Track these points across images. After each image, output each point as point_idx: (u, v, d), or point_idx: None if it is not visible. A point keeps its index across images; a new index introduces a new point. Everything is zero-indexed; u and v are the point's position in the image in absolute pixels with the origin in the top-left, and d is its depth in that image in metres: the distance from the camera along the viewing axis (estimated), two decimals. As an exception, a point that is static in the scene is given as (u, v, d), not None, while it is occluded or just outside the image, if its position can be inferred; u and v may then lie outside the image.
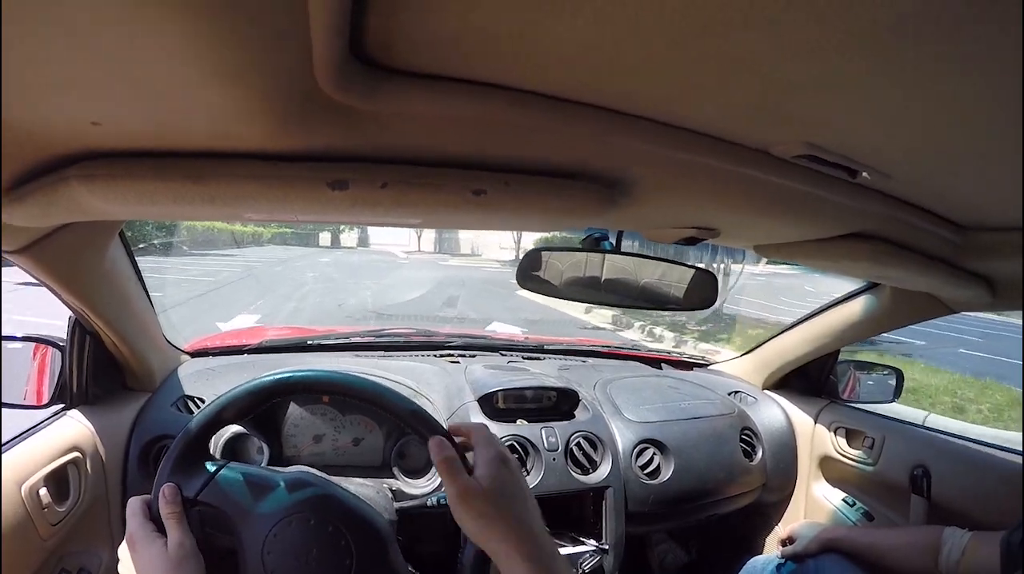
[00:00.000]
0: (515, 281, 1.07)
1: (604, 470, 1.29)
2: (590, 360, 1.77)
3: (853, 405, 1.64)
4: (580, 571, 1.21)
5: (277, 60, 0.35)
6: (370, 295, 11.51)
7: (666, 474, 1.35)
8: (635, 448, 1.35)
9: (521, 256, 1.07)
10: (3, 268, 0.91)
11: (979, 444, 1.35)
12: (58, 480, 0.95)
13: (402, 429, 1.13)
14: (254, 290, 10.83)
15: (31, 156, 0.52)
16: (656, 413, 1.45)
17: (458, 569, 0.95)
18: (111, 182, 0.51)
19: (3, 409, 0.97)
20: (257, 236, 25.74)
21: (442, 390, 1.36)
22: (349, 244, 30.58)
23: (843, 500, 1.56)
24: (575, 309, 9.95)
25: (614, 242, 0.99)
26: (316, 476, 0.81)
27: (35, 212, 0.59)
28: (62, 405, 1.07)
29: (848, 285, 1.50)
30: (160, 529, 0.66)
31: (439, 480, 0.95)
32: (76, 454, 0.99)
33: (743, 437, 1.51)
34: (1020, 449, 1.28)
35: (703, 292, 1.08)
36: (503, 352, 1.70)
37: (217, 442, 1.13)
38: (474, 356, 1.63)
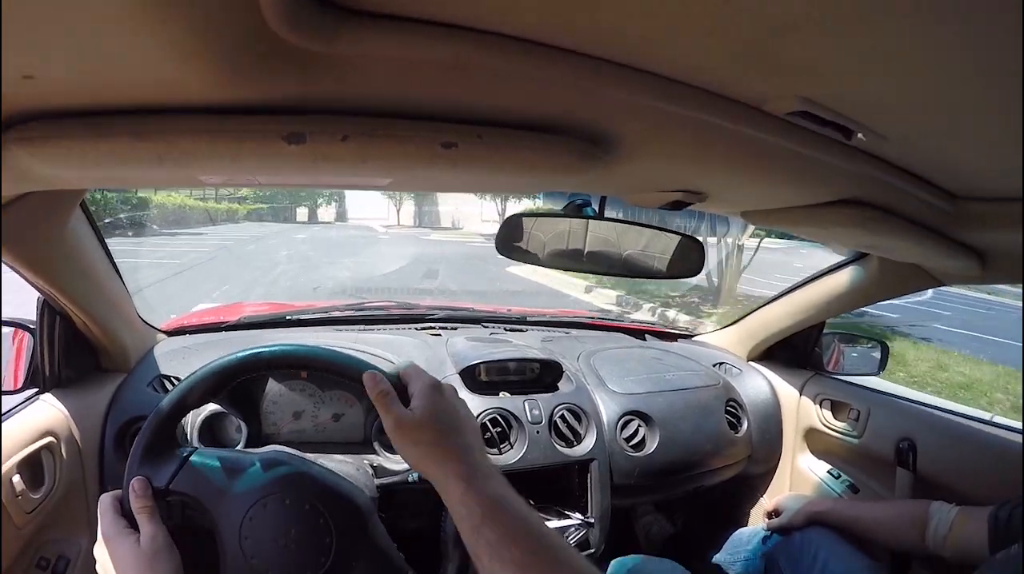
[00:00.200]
0: (497, 256, 1.06)
1: (588, 443, 1.30)
2: (574, 331, 1.78)
3: (838, 377, 1.67)
4: None
5: None
6: (348, 276, 11.13)
7: (651, 446, 1.36)
8: (620, 420, 1.36)
9: (504, 228, 1.06)
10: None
11: (965, 418, 1.37)
12: (32, 466, 0.93)
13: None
14: (219, 274, 10.21)
15: None
16: (641, 384, 1.46)
17: (441, 539, 0.96)
18: (50, 144, 0.49)
19: None
20: (232, 213, 25.35)
21: (423, 363, 1.34)
22: (327, 219, 30.31)
23: (828, 472, 1.59)
24: (577, 290, 9.84)
25: (597, 209, 0.99)
26: (290, 454, 0.80)
27: None
28: (36, 389, 1.05)
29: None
30: (133, 524, 0.66)
31: None
32: (50, 439, 0.97)
33: (728, 409, 1.53)
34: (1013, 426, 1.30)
35: (689, 260, 1.08)
36: (485, 324, 1.70)
37: (194, 423, 1.12)
38: (455, 329, 1.62)
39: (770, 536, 1.32)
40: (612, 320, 1.95)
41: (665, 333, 1.92)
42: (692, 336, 1.96)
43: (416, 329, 1.60)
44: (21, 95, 0.45)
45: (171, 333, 1.40)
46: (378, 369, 0.69)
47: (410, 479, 1.01)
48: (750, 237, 8.92)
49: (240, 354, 0.73)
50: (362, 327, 1.59)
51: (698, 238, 1.07)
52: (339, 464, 0.90)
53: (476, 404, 1.24)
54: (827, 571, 1.12)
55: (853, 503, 1.42)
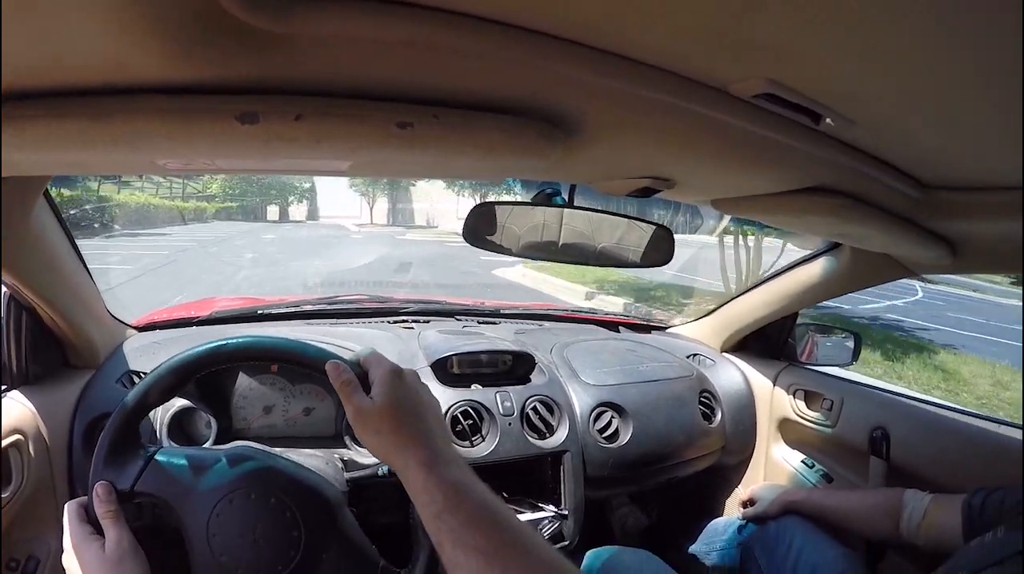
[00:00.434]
0: (485, 258, 1.07)
1: (561, 434, 1.32)
2: (547, 324, 1.80)
3: (811, 367, 1.71)
4: None
5: None
6: (319, 283, 10.54)
7: (624, 437, 1.39)
8: (593, 412, 1.38)
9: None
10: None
11: (938, 407, 1.41)
12: None
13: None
14: (173, 282, 9.38)
15: None
16: (614, 376, 1.48)
17: (410, 527, 0.97)
18: (11, 126, 0.49)
19: None
20: (200, 212, 24.94)
21: (395, 356, 1.35)
22: (299, 217, 29.95)
23: (802, 462, 1.62)
24: (575, 295, 9.75)
25: (567, 198, 1.00)
26: (256, 449, 0.81)
27: None
28: (2, 386, 1.04)
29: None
30: (98, 530, 0.67)
31: None
32: (17, 437, 0.96)
33: (702, 399, 1.56)
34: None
35: (660, 250, 1.10)
36: (458, 317, 1.71)
37: (163, 419, 1.12)
38: (428, 321, 1.64)
39: (745, 526, 1.35)
40: (586, 312, 1.99)
41: (639, 325, 1.95)
42: (666, 328, 1.99)
43: (388, 322, 1.61)
44: None
45: (141, 328, 1.40)
46: (341, 358, 0.69)
47: (380, 472, 1.02)
48: (772, 239, 8.64)
49: (200, 348, 0.73)
50: (334, 321, 1.59)
51: (669, 227, 1.10)
52: (308, 458, 0.91)
53: (448, 396, 1.26)
54: (802, 560, 1.15)
55: (827, 492, 1.45)
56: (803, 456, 1.64)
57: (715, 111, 0.57)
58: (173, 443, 1.11)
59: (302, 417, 1.24)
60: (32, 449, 0.99)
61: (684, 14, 0.41)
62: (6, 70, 0.44)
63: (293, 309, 1.60)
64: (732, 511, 1.70)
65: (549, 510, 1.28)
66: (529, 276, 10.96)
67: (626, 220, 1.07)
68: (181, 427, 1.15)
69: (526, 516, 1.26)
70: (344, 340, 1.35)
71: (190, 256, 13.27)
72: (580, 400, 1.39)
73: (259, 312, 1.56)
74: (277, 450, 0.85)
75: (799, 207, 0.88)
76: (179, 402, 1.12)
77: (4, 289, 1.01)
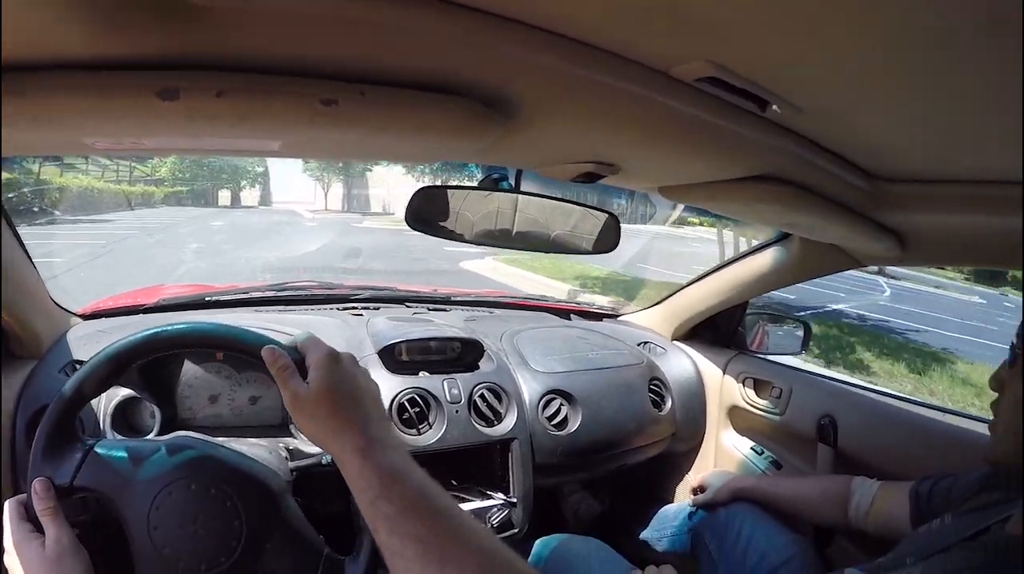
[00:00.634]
0: (446, 248, 1.07)
1: (509, 422, 1.33)
2: (498, 311, 1.82)
3: (761, 356, 1.76)
4: (489, 525, 1.26)
5: None
6: (271, 278, 9.83)
7: (574, 425, 1.42)
8: (542, 399, 1.41)
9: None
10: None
11: (883, 395, 1.47)
12: None
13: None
14: (104, 278, 8.31)
15: None
16: (563, 363, 1.51)
17: (352, 512, 0.97)
18: None
19: None
20: (148, 196, 24.09)
21: (342, 344, 1.35)
22: (250, 202, 29.30)
23: (752, 449, 1.68)
24: (556, 293, 9.68)
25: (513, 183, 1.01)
26: (197, 438, 0.81)
27: None
28: None
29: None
30: (39, 528, 0.66)
31: None
32: None
33: (652, 387, 1.60)
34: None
35: (608, 238, 1.13)
36: (409, 304, 1.72)
37: (106, 410, 1.10)
38: (378, 308, 1.64)
39: (696, 512, 1.39)
40: (537, 300, 2.01)
41: (590, 313, 1.99)
42: (617, 316, 2.03)
43: (338, 309, 1.61)
44: None
45: (87, 317, 1.37)
46: (278, 343, 0.69)
47: (324, 461, 1.02)
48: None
49: (136, 336, 0.72)
50: (283, 308, 1.58)
51: (616, 215, 1.12)
52: (251, 447, 0.91)
53: (394, 384, 1.26)
54: (752, 545, 1.19)
55: (776, 479, 1.49)
56: (753, 443, 1.69)
57: (658, 94, 0.57)
58: (117, 435, 1.10)
59: (248, 406, 1.24)
60: None
61: None
62: None
63: (241, 296, 1.58)
64: (683, 498, 1.75)
65: (498, 498, 1.30)
66: (500, 270, 10.57)
67: (580, 208, 1.09)
68: (125, 418, 1.14)
69: (475, 504, 1.28)
70: (291, 327, 1.33)
71: (129, 246, 12.35)
72: (529, 387, 1.41)
73: (207, 299, 1.54)
74: (220, 439, 0.84)
75: (747, 195, 0.90)
76: (122, 392, 1.11)
77: None
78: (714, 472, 1.49)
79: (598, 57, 0.52)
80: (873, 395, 1.47)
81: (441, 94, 0.56)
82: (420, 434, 1.24)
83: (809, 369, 1.71)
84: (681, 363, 1.77)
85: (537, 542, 1.28)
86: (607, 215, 1.11)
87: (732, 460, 1.71)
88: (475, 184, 1.03)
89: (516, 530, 1.31)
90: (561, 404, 1.43)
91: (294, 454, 1.09)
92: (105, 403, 1.10)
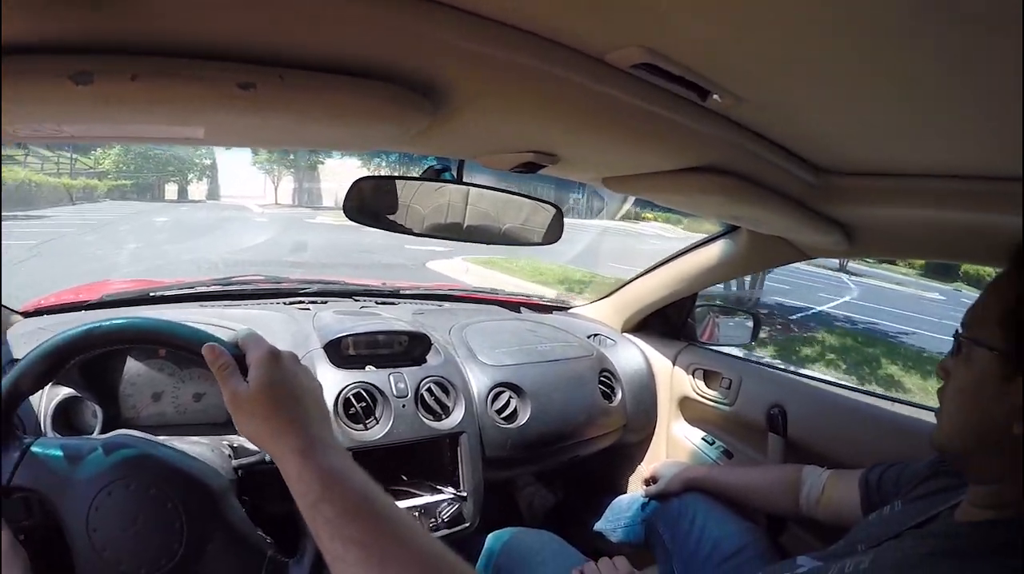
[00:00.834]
0: (408, 247, 1.07)
1: (457, 415, 1.35)
2: (447, 304, 1.83)
3: (710, 347, 1.81)
4: (439, 519, 1.27)
5: None
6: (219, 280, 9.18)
7: (523, 418, 1.44)
8: (490, 392, 1.43)
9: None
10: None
11: (831, 385, 1.53)
12: None
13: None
14: (28, 284, 7.03)
15: None
16: (512, 356, 1.53)
17: (296, 512, 0.97)
18: None
19: None
20: (91, 190, 23.17)
21: (288, 338, 1.35)
22: (199, 196, 28.50)
23: (703, 439, 1.72)
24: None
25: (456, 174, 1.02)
26: (135, 437, 0.80)
27: None
28: None
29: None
30: None
31: None
32: None
33: (602, 379, 1.64)
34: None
35: (554, 230, 1.16)
36: (356, 298, 1.71)
37: (46, 409, 1.07)
38: (326, 302, 1.63)
39: (649, 503, 1.42)
40: (487, 293, 2.03)
41: (540, 305, 2.01)
42: (567, 308, 2.06)
43: (284, 303, 1.60)
44: None
45: (29, 314, 1.34)
46: (218, 340, 0.68)
47: (267, 458, 1.02)
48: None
49: (71, 332, 0.71)
50: (228, 303, 1.57)
51: (559, 207, 1.15)
52: (193, 445, 0.90)
53: (340, 378, 1.26)
54: (705, 534, 1.22)
55: (727, 469, 1.54)
56: (703, 433, 1.73)
57: (594, 82, 0.57)
58: (58, 435, 1.07)
59: (192, 403, 1.23)
60: None
61: None
62: None
63: (187, 290, 1.56)
64: (636, 488, 1.78)
65: (448, 492, 1.31)
66: (474, 272, 9.94)
67: (530, 202, 1.11)
68: (67, 418, 1.11)
69: (425, 499, 1.29)
70: (236, 323, 1.32)
71: (60, 247, 11.13)
72: (477, 380, 1.43)
73: (151, 295, 1.51)
74: (161, 438, 0.83)
75: (691, 187, 0.90)
76: (63, 391, 1.09)
77: None
78: (666, 462, 1.52)
79: (530, 42, 0.52)
80: (821, 385, 1.53)
81: (364, 78, 0.55)
82: (367, 429, 1.25)
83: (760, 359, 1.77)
84: (631, 355, 1.81)
85: (489, 536, 1.30)
86: (555, 208, 1.14)
87: (684, 450, 1.75)
88: (414, 175, 1.04)
89: (467, 524, 1.32)
90: (510, 397, 1.45)
91: (238, 452, 1.08)
92: (45, 403, 1.07)
